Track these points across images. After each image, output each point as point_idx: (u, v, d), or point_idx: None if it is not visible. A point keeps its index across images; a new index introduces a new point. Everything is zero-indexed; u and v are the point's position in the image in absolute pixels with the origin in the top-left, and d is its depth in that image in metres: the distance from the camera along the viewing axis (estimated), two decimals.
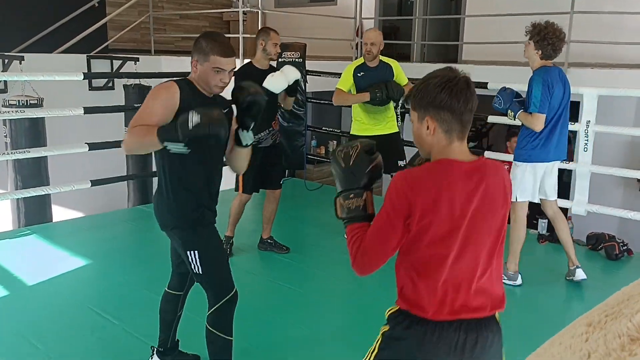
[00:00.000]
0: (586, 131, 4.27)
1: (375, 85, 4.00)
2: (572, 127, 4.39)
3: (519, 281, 3.54)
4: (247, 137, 2.20)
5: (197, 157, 2.12)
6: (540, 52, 3.28)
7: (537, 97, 3.26)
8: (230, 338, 2.23)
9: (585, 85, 4.45)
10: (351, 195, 1.54)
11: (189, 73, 5.83)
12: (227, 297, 2.19)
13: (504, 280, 3.40)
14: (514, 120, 3.43)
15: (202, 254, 2.17)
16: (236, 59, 1.89)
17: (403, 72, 4.18)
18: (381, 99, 3.99)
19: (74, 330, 2.92)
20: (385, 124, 4.18)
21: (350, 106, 4.28)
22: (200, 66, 2.11)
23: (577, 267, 3.58)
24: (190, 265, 2.19)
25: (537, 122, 3.30)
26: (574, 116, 4.90)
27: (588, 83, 4.63)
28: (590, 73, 5.23)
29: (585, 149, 4.29)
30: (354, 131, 4.20)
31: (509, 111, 3.41)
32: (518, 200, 3.46)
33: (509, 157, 5.87)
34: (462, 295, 1.45)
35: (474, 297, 1.46)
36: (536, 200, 3.56)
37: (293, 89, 3.69)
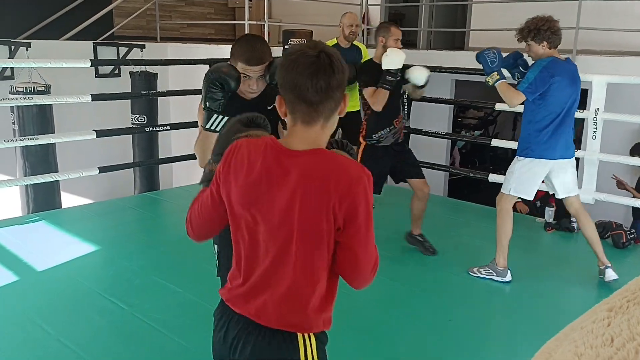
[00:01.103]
0: (595, 119, 4.25)
1: None
2: (580, 114, 4.38)
3: (508, 277, 3.39)
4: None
5: None
6: (545, 43, 3.15)
7: (529, 80, 3.12)
8: None
9: (594, 72, 4.42)
10: (211, 161, 1.52)
11: (193, 60, 5.82)
12: None
13: (492, 277, 3.40)
14: (490, 84, 3.24)
15: (220, 249, 2.20)
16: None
17: (369, 56, 4.47)
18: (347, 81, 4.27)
19: (83, 314, 2.95)
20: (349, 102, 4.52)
21: None
22: None
23: (607, 266, 3.39)
24: (215, 257, 2.25)
25: (516, 98, 3.16)
26: (582, 104, 4.88)
27: (597, 70, 4.60)
28: (599, 60, 5.19)
29: (594, 137, 4.27)
30: None
31: (494, 73, 3.20)
32: (510, 193, 3.34)
33: (514, 145, 5.86)
34: (239, 283, 1.35)
35: (246, 292, 1.33)
36: (530, 198, 3.41)
37: (424, 85, 3.67)
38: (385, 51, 3.52)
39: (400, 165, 3.74)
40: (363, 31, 7.03)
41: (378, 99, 3.50)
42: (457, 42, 8.02)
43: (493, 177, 4.91)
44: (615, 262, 3.96)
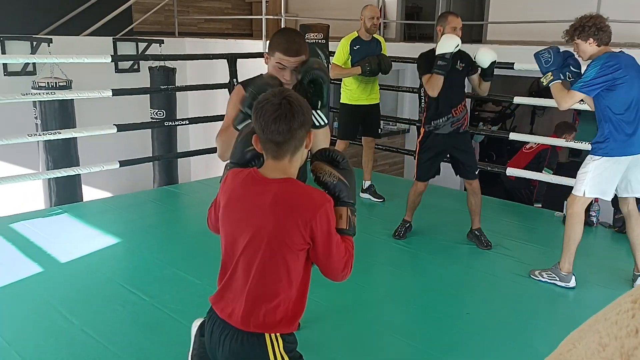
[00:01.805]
0: None
1: (366, 58, 4.40)
2: None
3: (572, 283, 3.26)
4: (317, 117, 2.10)
5: None
6: (591, 39, 3.02)
7: (589, 77, 2.97)
8: None
9: None
10: (227, 168, 1.74)
11: (211, 55, 5.86)
12: None
13: (555, 282, 3.34)
14: (544, 84, 3.12)
15: None
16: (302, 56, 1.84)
17: (386, 50, 4.68)
18: (371, 71, 4.40)
19: (105, 305, 3.01)
20: (370, 94, 4.64)
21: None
22: (269, 61, 2.12)
23: None
24: None
25: (567, 101, 3.05)
26: None
27: None
28: None
29: None
30: (343, 100, 4.63)
31: (549, 74, 3.09)
32: (585, 195, 3.14)
33: (533, 139, 5.82)
34: (222, 289, 1.58)
35: (227, 298, 1.56)
36: (607, 198, 3.23)
37: (489, 73, 3.64)
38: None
39: (456, 160, 3.80)
40: (380, 25, 7.01)
41: (432, 84, 3.53)
42: (475, 35, 7.95)
43: (510, 171, 4.88)
44: None
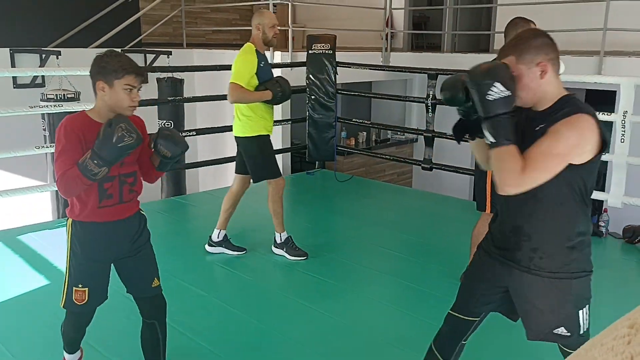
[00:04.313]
0: (623, 122, 4.17)
1: (274, 80, 3.58)
2: (608, 117, 4.30)
3: None
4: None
5: None
6: None
7: None
8: None
9: (622, 74, 4.34)
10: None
11: (218, 66, 5.81)
12: None
13: None
14: None
15: None
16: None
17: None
18: (283, 96, 3.59)
19: (110, 315, 2.99)
20: (271, 123, 3.74)
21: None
22: None
23: None
24: None
25: None
26: (610, 106, 4.79)
27: (625, 72, 4.51)
28: (628, 62, 5.08)
29: (622, 140, 4.19)
30: (257, 131, 3.61)
31: None
32: None
33: None
34: None
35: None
36: None
37: None
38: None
39: None
40: (387, 35, 7.02)
41: None
42: (482, 45, 7.95)
43: None
44: None
